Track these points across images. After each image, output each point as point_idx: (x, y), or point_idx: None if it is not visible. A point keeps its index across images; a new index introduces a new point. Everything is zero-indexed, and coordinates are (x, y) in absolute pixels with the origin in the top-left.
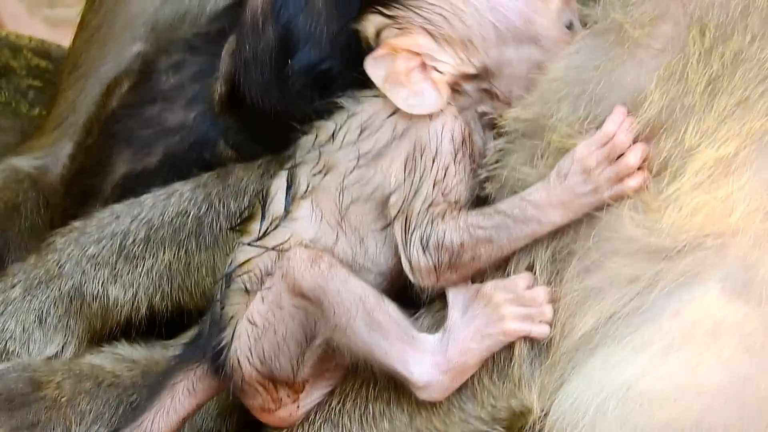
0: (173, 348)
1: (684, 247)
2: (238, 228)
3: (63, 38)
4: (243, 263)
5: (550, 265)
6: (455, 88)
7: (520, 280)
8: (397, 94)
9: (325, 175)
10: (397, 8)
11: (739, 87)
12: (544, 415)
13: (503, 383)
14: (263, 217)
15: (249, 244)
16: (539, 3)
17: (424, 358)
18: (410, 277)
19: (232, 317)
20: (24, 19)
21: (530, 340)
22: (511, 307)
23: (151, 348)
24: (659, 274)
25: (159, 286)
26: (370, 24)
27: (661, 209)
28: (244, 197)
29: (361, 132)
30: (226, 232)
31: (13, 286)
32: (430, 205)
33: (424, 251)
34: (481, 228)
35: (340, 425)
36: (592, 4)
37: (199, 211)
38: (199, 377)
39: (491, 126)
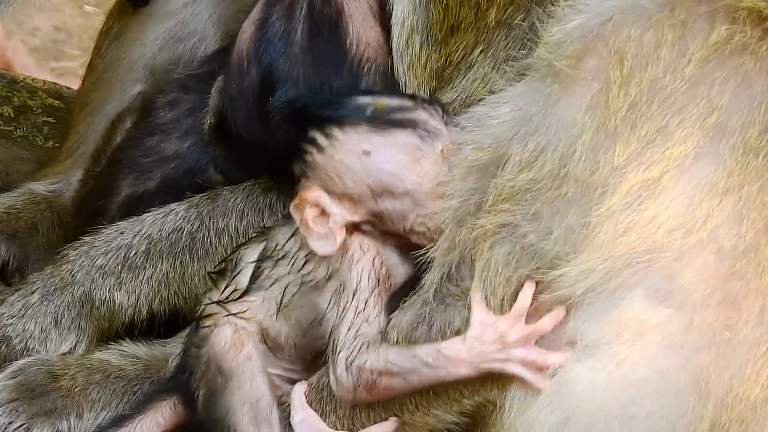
0: (170, 345)
1: (616, 264)
2: (213, 274)
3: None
4: (207, 316)
5: None
6: (362, 230)
7: (372, 430)
8: (309, 237)
9: (274, 283)
10: (304, 167)
11: (658, 114)
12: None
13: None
14: (229, 283)
15: (213, 302)
16: (410, 164)
17: None
18: (333, 387)
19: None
20: (33, 71)
21: None
22: None
23: (151, 345)
24: (595, 286)
25: (158, 293)
26: (298, 169)
27: (596, 225)
28: (231, 215)
29: (305, 263)
30: (215, 246)
31: (33, 293)
32: (357, 332)
33: (347, 370)
34: (397, 366)
35: None
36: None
37: (192, 228)
38: (170, 409)
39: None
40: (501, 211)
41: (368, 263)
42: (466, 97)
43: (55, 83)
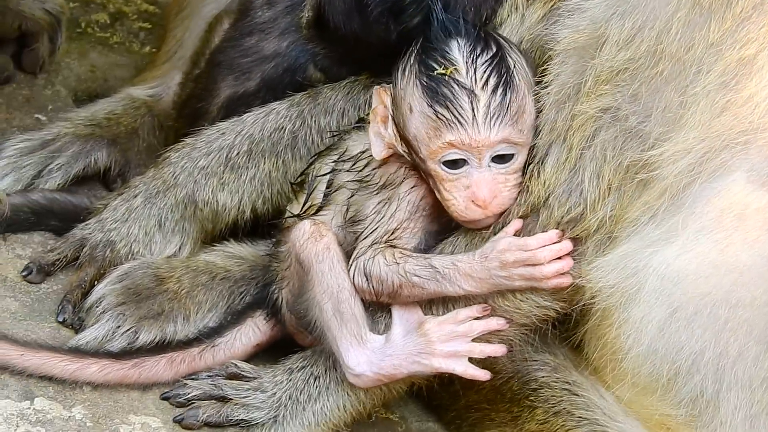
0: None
1: (714, 145)
2: (295, 184)
3: None
4: (285, 228)
5: None
6: (416, 168)
7: (461, 313)
8: (371, 128)
9: (338, 189)
10: (397, 74)
11: None
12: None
13: None
14: (307, 197)
15: (292, 215)
16: (429, 137)
17: (365, 353)
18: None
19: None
20: None
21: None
22: (443, 347)
23: (256, 245)
24: (693, 167)
25: (261, 192)
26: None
27: (692, 105)
28: (332, 114)
29: (366, 165)
30: (317, 145)
31: (135, 196)
32: (376, 243)
33: (367, 278)
34: (417, 276)
35: None
36: None
37: (294, 126)
38: (264, 320)
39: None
40: (601, 93)
41: (413, 190)
42: None
43: None
